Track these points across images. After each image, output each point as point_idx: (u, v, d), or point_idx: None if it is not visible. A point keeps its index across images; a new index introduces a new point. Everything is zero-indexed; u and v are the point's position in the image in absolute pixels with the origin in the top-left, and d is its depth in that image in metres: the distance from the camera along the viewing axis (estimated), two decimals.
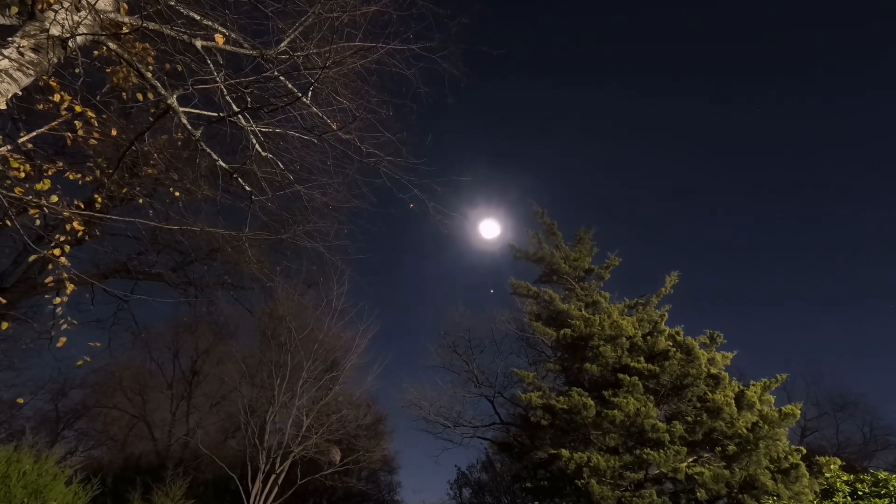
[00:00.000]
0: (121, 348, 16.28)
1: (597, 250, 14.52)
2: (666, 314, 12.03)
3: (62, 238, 4.07)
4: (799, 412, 10.43)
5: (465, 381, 17.41)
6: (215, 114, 4.38)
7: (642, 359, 10.61)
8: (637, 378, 10.09)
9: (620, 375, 10.19)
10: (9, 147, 3.74)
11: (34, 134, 3.83)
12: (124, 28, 3.85)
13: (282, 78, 4.61)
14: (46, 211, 3.82)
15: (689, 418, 9.93)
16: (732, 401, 9.76)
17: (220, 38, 4.05)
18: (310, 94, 4.69)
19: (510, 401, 17.13)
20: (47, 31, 3.33)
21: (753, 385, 10.19)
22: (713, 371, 10.12)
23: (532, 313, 13.99)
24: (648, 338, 10.97)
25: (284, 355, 13.09)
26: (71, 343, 3.98)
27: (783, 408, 10.22)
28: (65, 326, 3.88)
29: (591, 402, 10.02)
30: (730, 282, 43.03)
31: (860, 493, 9.19)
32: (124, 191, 6.94)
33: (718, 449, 9.66)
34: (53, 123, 3.97)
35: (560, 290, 14.79)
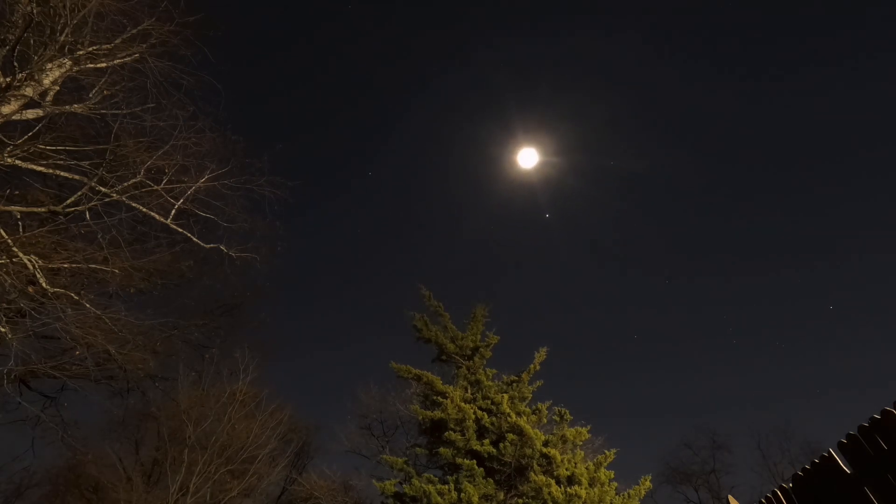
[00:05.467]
0: (51, 446, 17.31)
1: (483, 328, 15.27)
2: (529, 392, 12.49)
3: None
4: (649, 482, 10.60)
5: (374, 466, 17.56)
6: None
7: (487, 441, 11.00)
8: (475, 462, 10.46)
9: (458, 460, 10.58)
10: None
11: None
12: None
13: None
14: None
15: (528, 500, 10.13)
16: (564, 479, 10.01)
17: None
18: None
19: None
20: None
21: (588, 463, 10.42)
22: (546, 451, 10.43)
23: (419, 394, 14.52)
24: (494, 419, 11.41)
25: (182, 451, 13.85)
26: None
27: (631, 489, 10.44)
28: None
29: (433, 489, 10.35)
30: None
31: None
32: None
33: None
34: None
35: (453, 368, 15.43)
